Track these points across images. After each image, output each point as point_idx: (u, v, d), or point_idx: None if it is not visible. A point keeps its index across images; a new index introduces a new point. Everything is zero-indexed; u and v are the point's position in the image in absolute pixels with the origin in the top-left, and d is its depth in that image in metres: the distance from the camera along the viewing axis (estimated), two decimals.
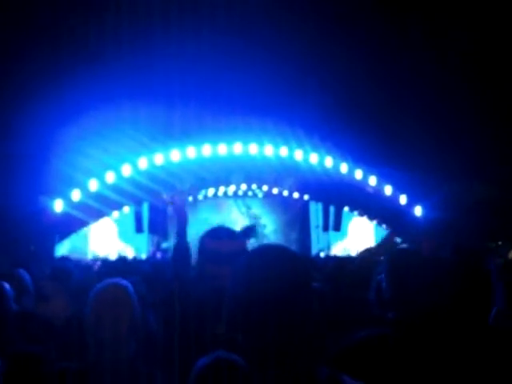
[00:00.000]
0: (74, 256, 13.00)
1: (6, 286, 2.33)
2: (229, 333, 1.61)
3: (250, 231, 2.03)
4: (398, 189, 14.03)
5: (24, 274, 2.94)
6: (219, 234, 1.85)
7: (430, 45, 11.01)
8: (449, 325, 1.78)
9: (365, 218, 15.23)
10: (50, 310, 2.71)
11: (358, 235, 15.55)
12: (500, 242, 10.20)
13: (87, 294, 2.11)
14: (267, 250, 1.26)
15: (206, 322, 1.67)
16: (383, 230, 15.10)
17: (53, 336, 2.20)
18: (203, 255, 1.79)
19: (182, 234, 1.99)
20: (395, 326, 1.71)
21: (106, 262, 7.84)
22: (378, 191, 14.07)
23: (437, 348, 1.67)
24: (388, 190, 14.02)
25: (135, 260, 11.16)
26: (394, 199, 14.16)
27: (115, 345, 1.75)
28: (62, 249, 13.28)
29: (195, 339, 1.63)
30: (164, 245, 14.86)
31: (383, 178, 13.96)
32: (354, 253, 15.03)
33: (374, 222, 15.21)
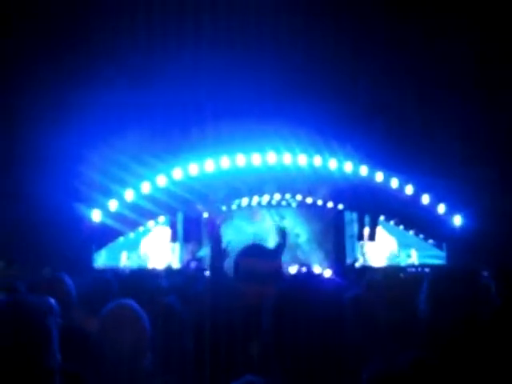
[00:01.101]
0: (111, 266, 13.27)
1: (53, 301, 2.30)
2: (261, 355, 1.58)
3: (281, 246, 1.98)
4: (436, 197, 13.69)
5: (68, 279, 2.95)
6: (254, 252, 1.81)
7: (457, 44, 10.74)
8: (488, 345, 1.70)
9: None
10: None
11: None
12: None
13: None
14: (298, 287, 1.23)
15: (237, 342, 1.64)
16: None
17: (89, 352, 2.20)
18: (237, 273, 1.77)
19: (216, 250, 1.95)
20: (432, 348, 1.64)
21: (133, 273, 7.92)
22: (414, 200, 13.78)
23: (477, 370, 1.59)
24: (425, 198, 13.70)
25: (167, 270, 11.25)
26: (431, 208, 13.83)
27: (132, 360, 1.77)
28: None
29: (226, 358, 1.60)
30: (199, 253, 14.96)
31: (420, 187, 13.66)
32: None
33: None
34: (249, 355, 1.60)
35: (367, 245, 15.23)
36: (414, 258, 14.81)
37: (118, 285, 3.23)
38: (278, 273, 1.80)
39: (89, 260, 12.41)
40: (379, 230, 15.06)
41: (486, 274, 2.13)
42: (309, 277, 1.24)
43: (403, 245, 14.87)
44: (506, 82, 10.63)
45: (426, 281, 1.87)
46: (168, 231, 14.77)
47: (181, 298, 2.94)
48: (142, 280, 3.16)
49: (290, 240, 15.46)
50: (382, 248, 15.15)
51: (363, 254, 15.22)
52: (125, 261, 13.79)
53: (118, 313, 1.88)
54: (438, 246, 14.65)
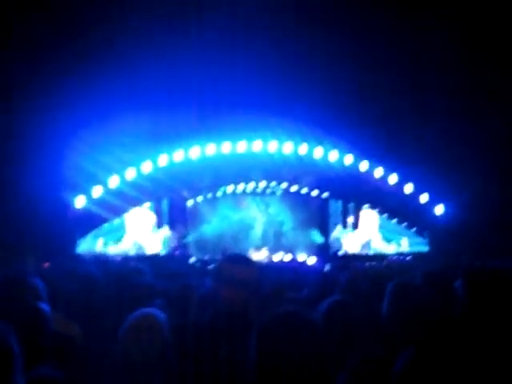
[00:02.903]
0: (93, 252, 13.22)
1: (46, 307, 2.21)
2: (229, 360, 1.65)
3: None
4: (420, 187, 13.88)
5: (39, 283, 2.68)
6: (236, 259, 1.89)
7: (440, 34, 10.81)
8: (456, 345, 1.77)
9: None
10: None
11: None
12: None
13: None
14: (278, 324, 1.29)
15: (207, 345, 1.71)
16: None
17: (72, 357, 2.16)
18: (220, 279, 1.83)
19: None
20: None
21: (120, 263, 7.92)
22: (398, 189, 13.94)
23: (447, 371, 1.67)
24: (409, 188, 13.88)
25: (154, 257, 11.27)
26: (414, 197, 14.02)
27: (147, 369, 1.79)
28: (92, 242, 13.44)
29: (209, 364, 1.66)
30: (185, 240, 14.99)
31: (404, 176, 13.82)
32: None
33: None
34: (218, 359, 1.66)
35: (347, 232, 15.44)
36: (404, 246, 15.03)
37: (104, 278, 3.17)
38: (258, 280, 1.88)
39: (73, 247, 12.37)
40: (364, 217, 15.24)
41: (458, 283, 2.21)
42: (291, 312, 1.29)
43: (396, 233, 15.05)
44: (489, 84, 10.80)
45: (389, 293, 1.95)
46: (153, 217, 14.75)
47: (166, 298, 2.92)
48: (128, 278, 3.12)
49: (275, 227, 15.60)
50: (361, 235, 15.34)
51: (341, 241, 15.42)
52: (100, 247, 13.72)
53: (145, 320, 1.87)
54: (420, 233, 14.89)
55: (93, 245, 13.63)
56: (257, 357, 1.27)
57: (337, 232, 15.62)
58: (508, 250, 9.60)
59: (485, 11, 10.21)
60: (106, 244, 13.88)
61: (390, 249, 15.04)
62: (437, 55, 11.14)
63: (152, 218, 14.74)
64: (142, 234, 14.65)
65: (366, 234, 15.40)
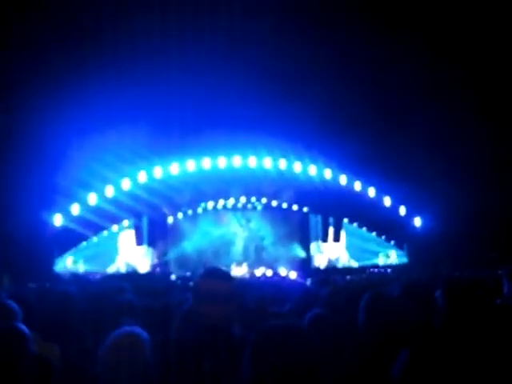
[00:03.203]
0: (71, 270, 13.00)
1: (25, 328, 2.13)
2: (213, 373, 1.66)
3: None
4: (397, 200, 14.08)
5: (15, 307, 2.60)
6: (215, 274, 1.90)
7: (423, 56, 11.12)
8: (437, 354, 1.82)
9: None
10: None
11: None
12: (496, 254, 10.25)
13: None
14: (271, 338, 1.32)
15: (191, 358, 1.71)
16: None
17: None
18: (199, 295, 1.84)
19: None
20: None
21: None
22: (377, 202, 14.12)
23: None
24: (387, 201, 14.07)
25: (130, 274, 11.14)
26: (393, 210, 14.21)
27: None
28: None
29: (178, 375, 1.66)
30: (165, 257, 14.87)
31: (382, 190, 14.01)
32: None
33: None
34: (202, 372, 1.67)
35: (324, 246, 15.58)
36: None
37: (83, 297, 3.12)
38: (239, 294, 1.90)
39: (50, 266, 12.15)
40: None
41: (437, 293, 2.27)
42: (285, 325, 1.33)
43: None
44: (464, 99, 11.12)
45: (364, 303, 1.99)
46: (132, 234, 14.62)
47: (148, 316, 2.88)
48: (108, 295, 3.07)
49: (256, 242, 15.61)
50: (330, 251, 15.51)
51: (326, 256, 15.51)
52: (70, 265, 13.52)
53: (128, 339, 1.85)
54: (399, 246, 15.08)
55: (72, 263, 13.44)
56: (251, 372, 1.29)
57: (317, 246, 15.71)
58: (483, 259, 9.80)
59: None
60: (76, 262, 13.66)
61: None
62: (405, 71, 11.41)
63: (131, 235, 14.61)
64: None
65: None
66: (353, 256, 15.54)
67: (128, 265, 14.30)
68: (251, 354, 1.31)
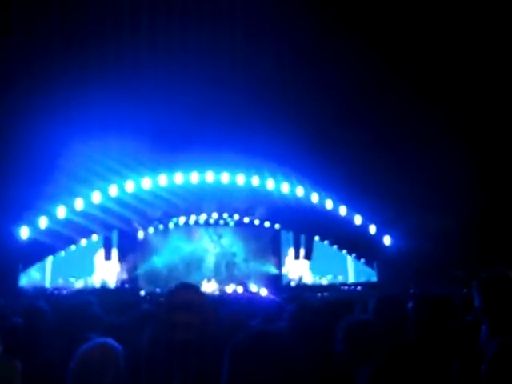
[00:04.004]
0: (37, 285, 12.66)
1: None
2: None
3: None
4: (368, 218, 14.30)
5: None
6: (189, 286, 1.93)
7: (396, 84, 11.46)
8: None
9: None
10: None
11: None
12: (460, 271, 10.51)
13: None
14: (250, 344, 1.33)
15: (160, 375, 1.71)
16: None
17: None
18: (172, 303, 1.86)
19: None
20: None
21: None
22: (348, 221, 14.29)
23: None
24: (358, 219, 14.26)
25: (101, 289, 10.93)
26: (363, 229, 14.40)
27: None
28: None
29: None
30: (135, 272, 14.62)
31: (353, 208, 14.20)
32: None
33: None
34: None
35: (301, 264, 15.61)
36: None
37: (50, 312, 3.06)
38: (210, 305, 1.91)
39: (15, 280, 11.79)
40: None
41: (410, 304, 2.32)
42: (262, 331, 1.34)
43: None
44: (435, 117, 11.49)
45: (342, 328, 2.02)
46: (101, 249, 14.34)
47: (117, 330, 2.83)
48: (79, 310, 3.01)
49: (228, 259, 15.53)
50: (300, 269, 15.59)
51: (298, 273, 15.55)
52: (36, 279, 13.21)
53: (100, 351, 1.83)
54: (369, 264, 15.24)
55: (39, 277, 13.10)
56: (230, 378, 1.29)
57: (289, 263, 15.75)
58: (449, 277, 10.01)
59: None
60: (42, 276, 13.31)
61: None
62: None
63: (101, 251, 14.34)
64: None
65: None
66: (318, 273, 15.62)
67: (102, 281, 14.05)
68: (230, 360, 1.31)
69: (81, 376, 1.83)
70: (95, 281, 13.99)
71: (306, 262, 15.58)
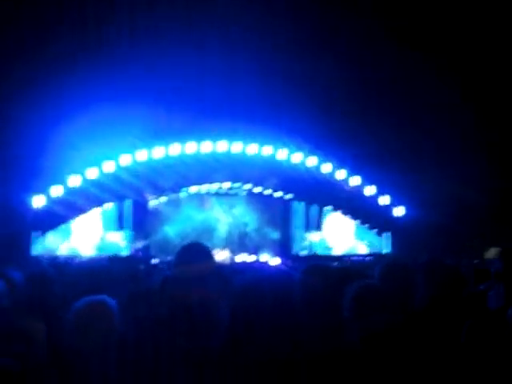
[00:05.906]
0: (50, 253, 12.84)
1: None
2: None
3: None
4: (381, 189, 14.16)
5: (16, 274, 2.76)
6: (190, 257, 1.89)
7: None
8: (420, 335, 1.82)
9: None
10: None
11: (336, 230, 15.57)
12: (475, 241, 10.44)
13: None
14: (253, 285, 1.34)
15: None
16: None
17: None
18: (180, 256, 1.87)
19: None
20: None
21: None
22: (360, 191, 14.18)
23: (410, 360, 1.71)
24: (371, 190, 14.14)
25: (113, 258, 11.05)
26: (376, 199, 14.29)
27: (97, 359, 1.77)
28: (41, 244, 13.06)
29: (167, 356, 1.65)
30: (143, 243, 14.75)
31: (366, 179, 14.07)
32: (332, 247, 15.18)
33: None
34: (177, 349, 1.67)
35: (312, 234, 15.60)
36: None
37: (59, 280, 3.09)
38: (215, 272, 1.89)
39: (27, 247, 11.97)
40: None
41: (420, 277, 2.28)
42: (261, 276, 1.37)
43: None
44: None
45: (350, 293, 1.99)
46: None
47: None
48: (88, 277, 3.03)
49: (239, 228, 15.59)
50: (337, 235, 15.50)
51: (309, 243, 15.57)
52: (49, 247, 13.37)
53: (94, 307, 1.88)
54: (381, 235, 15.17)
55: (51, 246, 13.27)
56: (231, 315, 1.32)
57: (300, 233, 15.76)
58: (464, 249, 9.94)
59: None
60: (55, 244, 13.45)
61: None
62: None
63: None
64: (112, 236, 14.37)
65: (336, 236, 15.54)
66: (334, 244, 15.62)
67: (100, 248, 14.14)
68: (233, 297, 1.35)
69: (75, 326, 1.87)
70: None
71: (317, 233, 15.58)
